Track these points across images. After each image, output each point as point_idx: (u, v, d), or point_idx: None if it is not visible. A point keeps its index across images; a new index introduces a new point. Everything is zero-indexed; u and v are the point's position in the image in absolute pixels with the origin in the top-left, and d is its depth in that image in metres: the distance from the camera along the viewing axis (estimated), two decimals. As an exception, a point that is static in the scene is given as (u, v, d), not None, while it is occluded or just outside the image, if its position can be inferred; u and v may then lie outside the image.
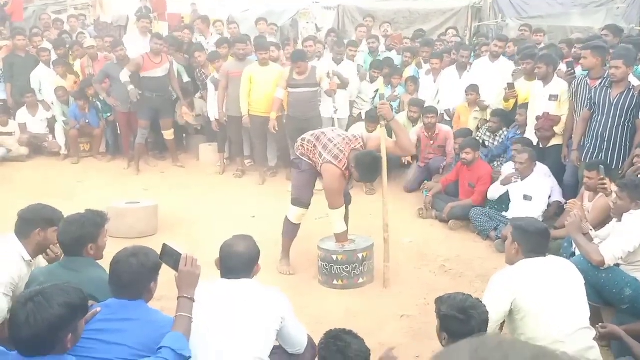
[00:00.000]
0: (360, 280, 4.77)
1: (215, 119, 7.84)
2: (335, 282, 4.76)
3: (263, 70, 7.30)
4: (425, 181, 7.09)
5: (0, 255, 2.98)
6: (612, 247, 3.62)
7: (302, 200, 4.97)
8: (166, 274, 2.66)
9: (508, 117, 6.83)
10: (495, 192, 6.01)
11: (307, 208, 5.01)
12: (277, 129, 7.17)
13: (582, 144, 5.51)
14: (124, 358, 2.35)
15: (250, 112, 7.39)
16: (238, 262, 2.81)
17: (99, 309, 2.44)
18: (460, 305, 2.51)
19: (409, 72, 8.21)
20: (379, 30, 9.89)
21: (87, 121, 8.45)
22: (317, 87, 7.16)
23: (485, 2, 10.89)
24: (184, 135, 9.09)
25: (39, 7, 12.21)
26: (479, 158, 6.31)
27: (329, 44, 8.64)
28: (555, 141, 5.98)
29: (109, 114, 8.51)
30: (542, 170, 5.84)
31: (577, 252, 3.92)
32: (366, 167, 4.59)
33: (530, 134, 6.14)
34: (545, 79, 5.93)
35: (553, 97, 5.90)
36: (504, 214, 5.82)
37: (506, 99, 6.72)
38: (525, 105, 6.39)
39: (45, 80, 8.65)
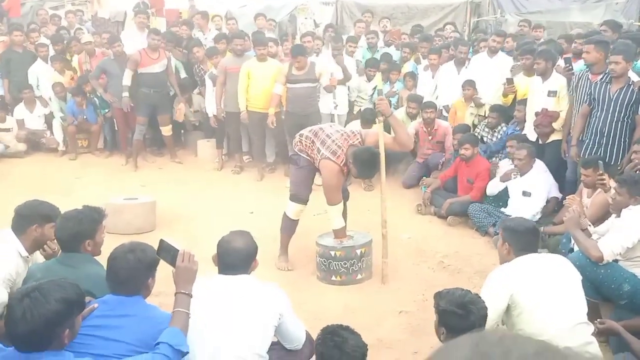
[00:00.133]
0: (359, 276, 4.76)
1: (214, 115, 7.81)
2: (333, 278, 4.75)
3: (261, 66, 7.27)
4: (424, 177, 7.07)
5: (-2, 251, 2.97)
6: (610, 242, 3.62)
7: (300, 196, 4.96)
8: (165, 270, 2.65)
9: (507, 113, 6.82)
10: (494, 188, 6.00)
11: (305, 204, 5.00)
12: (275, 124, 7.15)
13: (581, 139, 5.49)
14: (122, 354, 2.35)
15: (248, 108, 7.37)
16: (236, 257, 2.80)
17: (96, 305, 2.44)
18: (459, 300, 2.51)
19: (407, 67, 8.20)
20: (377, 25, 9.86)
21: (85, 117, 8.43)
22: (316, 83, 7.12)
23: (484, -2, 10.88)
24: (182, 131, 9.06)
25: (36, 3, 12.14)
26: (478, 154, 6.30)
27: (327, 40, 8.61)
28: (554, 137, 5.96)
29: (106, 110, 8.47)
30: (540, 167, 5.83)
31: (576, 248, 3.91)
32: (364, 163, 4.58)
33: (529, 129, 6.12)
34: (544, 75, 5.91)
35: (552, 93, 5.89)
36: (502, 210, 5.81)
37: (505, 95, 6.69)
38: (524, 101, 6.37)
39: (42, 76, 8.62)
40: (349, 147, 4.66)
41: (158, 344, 2.32)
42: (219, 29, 9.45)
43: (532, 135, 6.07)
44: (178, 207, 6.53)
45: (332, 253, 4.72)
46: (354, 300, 4.48)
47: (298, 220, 5.06)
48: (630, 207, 3.74)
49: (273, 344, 2.81)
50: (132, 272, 2.49)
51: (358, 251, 4.73)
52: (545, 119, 5.88)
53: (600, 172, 4.51)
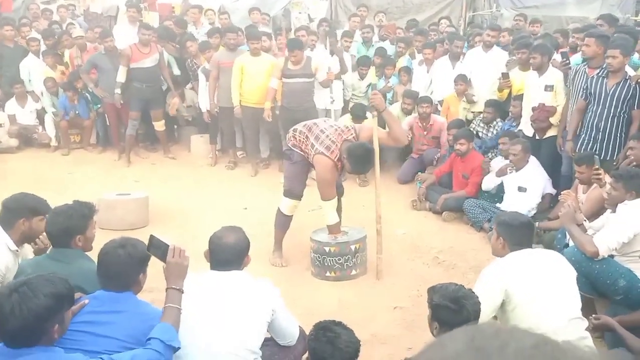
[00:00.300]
0: (353, 272, 4.74)
1: (207, 110, 7.76)
2: (327, 273, 4.73)
3: (255, 61, 7.22)
4: (419, 172, 7.04)
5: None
6: (606, 238, 3.60)
7: (294, 192, 4.93)
8: (157, 265, 2.62)
9: (502, 108, 6.79)
10: (490, 183, 5.99)
11: (300, 199, 4.97)
12: (270, 118, 7.10)
13: (577, 134, 5.47)
14: (113, 350, 2.32)
15: (241, 102, 7.31)
16: (228, 253, 2.77)
17: (87, 301, 2.41)
18: (452, 295, 2.50)
19: (402, 62, 8.15)
20: (372, 20, 9.81)
21: (77, 112, 8.36)
22: (312, 78, 7.07)
23: (479, -8, 10.86)
24: (175, 126, 9.01)
25: (28, -2, 12.03)
26: (473, 149, 6.28)
27: (321, 34, 8.55)
28: (551, 132, 5.92)
29: (99, 106, 8.41)
30: (534, 162, 5.81)
31: (571, 243, 3.89)
32: (358, 159, 4.54)
33: (526, 125, 6.09)
34: (540, 69, 5.87)
35: (548, 88, 5.85)
36: (497, 205, 5.80)
37: (500, 89, 6.66)
38: (519, 97, 6.33)
39: (34, 70, 8.55)
40: (343, 143, 4.62)
41: (149, 339, 2.30)
42: (211, 23, 9.38)
43: (528, 131, 6.04)
44: (171, 203, 6.49)
45: (327, 249, 4.70)
46: (349, 296, 4.46)
47: (292, 215, 5.02)
48: (625, 202, 3.73)
49: (266, 340, 2.79)
50: (123, 267, 2.47)
51: (352, 247, 4.71)
52: (543, 114, 5.84)
53: (596, 166, 4.49)
